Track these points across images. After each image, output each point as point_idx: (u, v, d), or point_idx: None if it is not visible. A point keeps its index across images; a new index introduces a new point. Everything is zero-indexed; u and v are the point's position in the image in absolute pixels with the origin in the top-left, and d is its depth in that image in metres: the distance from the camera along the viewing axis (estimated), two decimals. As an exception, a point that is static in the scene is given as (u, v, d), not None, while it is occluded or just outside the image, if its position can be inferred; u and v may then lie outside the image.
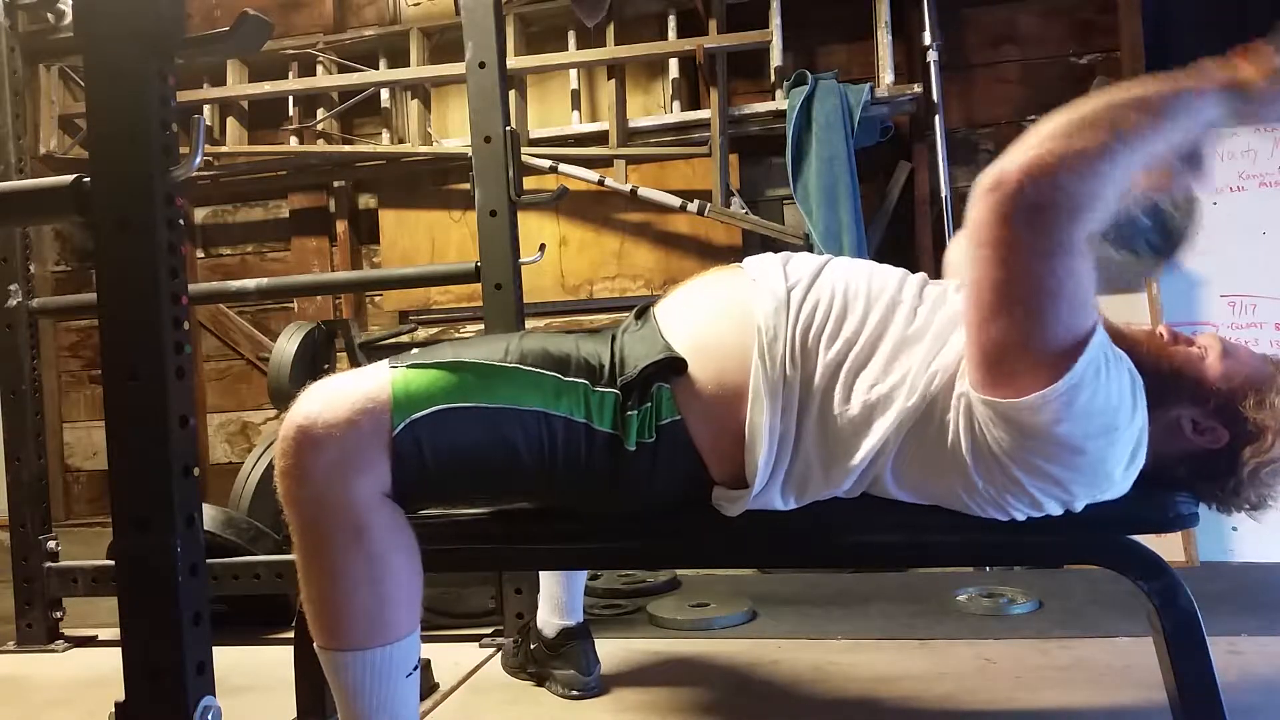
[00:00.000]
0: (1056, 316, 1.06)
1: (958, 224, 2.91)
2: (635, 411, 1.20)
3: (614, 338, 1.29)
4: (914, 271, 1.33)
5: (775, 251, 1.36)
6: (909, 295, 1.25)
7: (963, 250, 1.14)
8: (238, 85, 3.30)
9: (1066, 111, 1.06)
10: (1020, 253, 1.04)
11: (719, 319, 1.27)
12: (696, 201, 2.90)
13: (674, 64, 3.09)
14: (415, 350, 1.26)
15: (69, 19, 2.22)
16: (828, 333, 1.21)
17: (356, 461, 1.13)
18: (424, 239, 3.27)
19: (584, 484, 1.22)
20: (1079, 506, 1.17)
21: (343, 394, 1.16)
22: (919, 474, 1.19)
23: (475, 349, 1.24)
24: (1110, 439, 1.11)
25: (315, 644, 1.19)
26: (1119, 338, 1.17)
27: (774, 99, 2.97)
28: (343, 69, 3.26)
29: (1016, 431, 1.09)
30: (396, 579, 1.16)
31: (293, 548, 1.17)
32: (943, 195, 2.92)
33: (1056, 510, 1.17)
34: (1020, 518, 1.19)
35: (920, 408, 1.16)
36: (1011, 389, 1.07)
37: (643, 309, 1.35)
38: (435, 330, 3.30)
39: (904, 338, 1.21)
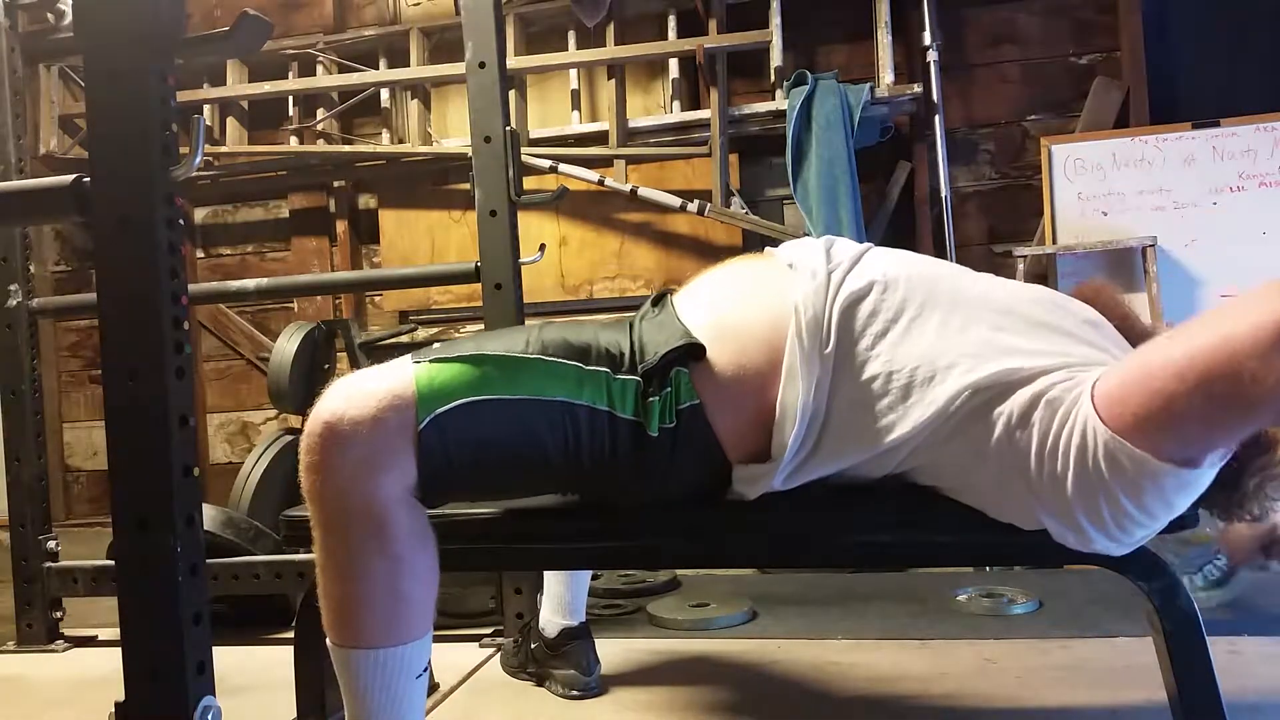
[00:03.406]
0: (1237, 430, 1.04)
1: (958, 224, 2.93)
2: (656, 397, 1.20)
3: (632, 325, 1.29)
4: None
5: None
6: (950, 281, 1.24)
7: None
8: (238, 85, 3.30)
9: None
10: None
11: (744, 303, 1.26)
12: (696, 201, 2.90)
13: (674, 64, 3.09)
14: (437, 345, 1.26)
15: (69, 19, 2.22)
16: (865, 313, 1.20)
17: (382, 459, 1.13)
18: (424, 239, 3.27)
19: (609, 472, 1.22)
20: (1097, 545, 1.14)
21: (368, 390, 1.16)
22: (994, 463, 1.15)
23: (496, 341, 1.24)
24: (1165, 514, 1.10)
25: (328, 640, 1.19)
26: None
27: (774, 99, 2.98)
28: (343, 69, 3.26)
29: (1119, 473, 1.05)
30: (415, 580, 1.16)
31: (313, 543, 1.17)
32: (943, 195, 2.92)
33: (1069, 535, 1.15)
34: (1030, 526, 1.17)
35: (969, 393, 1.13)
36: (1146, 443, 1.03)
37: (659, 296, 1.35)
38: (435, 330, 3.30)
39: (945, 322, 1.18)
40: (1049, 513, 1.13)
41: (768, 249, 1.38)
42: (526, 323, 2.03)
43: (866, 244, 1.31)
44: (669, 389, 1.20)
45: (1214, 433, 1.03)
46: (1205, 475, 1.07)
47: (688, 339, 1.21)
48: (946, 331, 1.18)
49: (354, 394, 1.16)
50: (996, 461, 1.15)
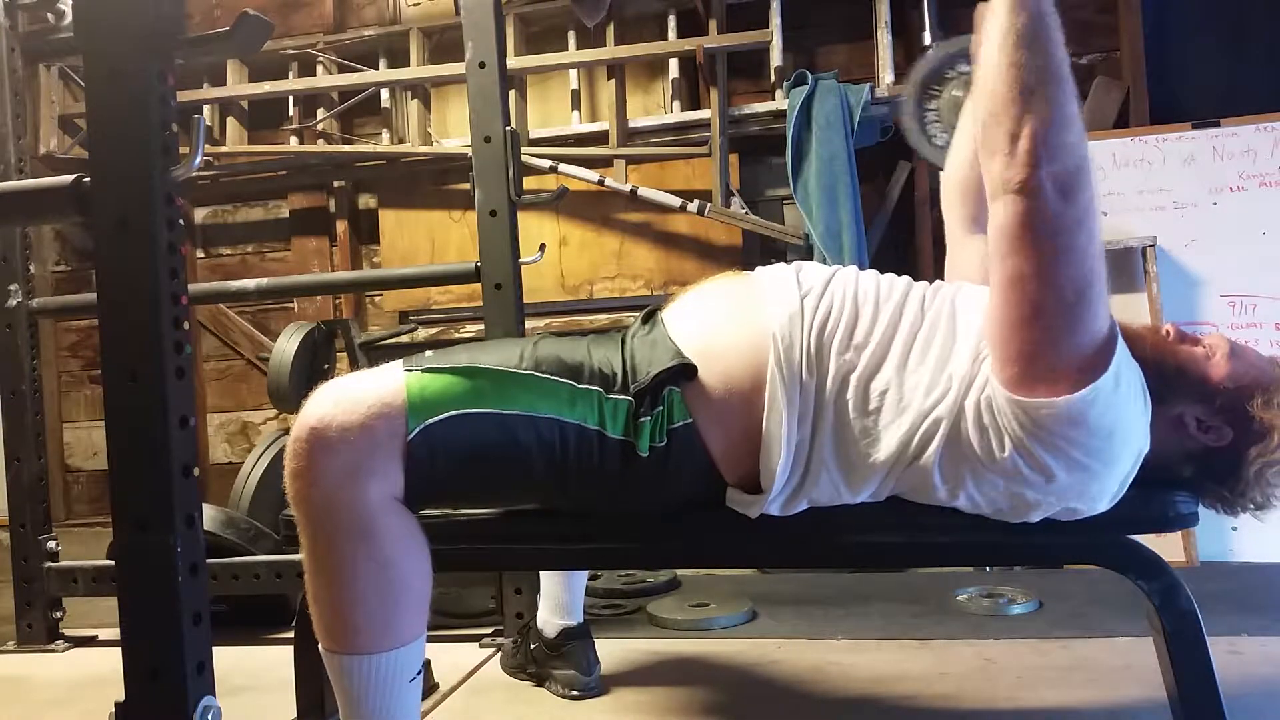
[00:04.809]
0: (1089, 314, 1.07)
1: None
2: (648, 417, 1.20)
3: (623, 342, 1.29)
4: (914, 271, 1.34)
5: (775, 252, 1.37)
6: (915, 300, 1.26)
7: (980, 257, 1.12)
8: (238, 85, 3.30)
9: (1002, 65, 1.06)
10: (1060, 234, 1.05)
11: (729, 324, 1.27)
12: (696, 201, 2.90)
13: (674, 64, 3.09)
14: (429, 353, 1.25)
15: (69, 19, 2.22)
16: (839, 339, 1.21)
17: (369, 466, 1.13)
18: (424, 239, 3.27)
19: (595, 489, 1.23)
20: (1093, 500, 1.17)
21: (357, 397, 1.15)
22: (968, 474, 1.18)
23: (490, 354, 1.24)
24: (1126, 434, 1.13)
25: (320, 646, 1.19)
26: (1126, 334, 1.17)
27: (774, 99, 2.97)
28: (343, 69, 3.26)
29: (1045, 429, 1.10)
30: (404, 584, 1.16)
31: (300, 549, 1.17)
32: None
33: (1074, 504, 1.17)
34: (1035, 518, 1.19)
35: (944, 411, 1.16)
36: (1047, 390, 1.08)
37: (650, 313, 1.35)
38: (435, 330, 3.30)
39: (915, 342, 1.21)
40: (1037, 491, 1.15)
41: (745, 273, 1.39)
42: (526, 323, 2.04)
43: (834, 266, 1.33)
44: (661, 408, 1.21)
45: (1075, 329, 1.08)
46: (1117, 385, 1.10)
47: (680, 359, 1.22)
48: (909, 358, 1.20)
49: (342, 399, 1.15)
50: (971, 471, 1.17)
